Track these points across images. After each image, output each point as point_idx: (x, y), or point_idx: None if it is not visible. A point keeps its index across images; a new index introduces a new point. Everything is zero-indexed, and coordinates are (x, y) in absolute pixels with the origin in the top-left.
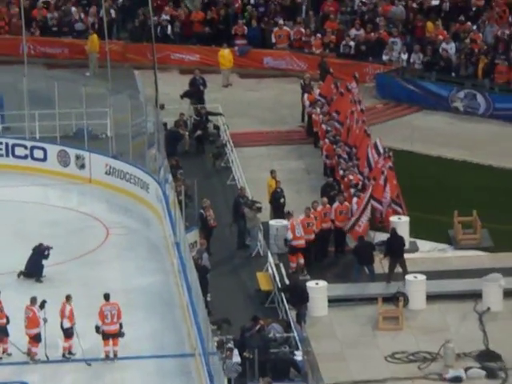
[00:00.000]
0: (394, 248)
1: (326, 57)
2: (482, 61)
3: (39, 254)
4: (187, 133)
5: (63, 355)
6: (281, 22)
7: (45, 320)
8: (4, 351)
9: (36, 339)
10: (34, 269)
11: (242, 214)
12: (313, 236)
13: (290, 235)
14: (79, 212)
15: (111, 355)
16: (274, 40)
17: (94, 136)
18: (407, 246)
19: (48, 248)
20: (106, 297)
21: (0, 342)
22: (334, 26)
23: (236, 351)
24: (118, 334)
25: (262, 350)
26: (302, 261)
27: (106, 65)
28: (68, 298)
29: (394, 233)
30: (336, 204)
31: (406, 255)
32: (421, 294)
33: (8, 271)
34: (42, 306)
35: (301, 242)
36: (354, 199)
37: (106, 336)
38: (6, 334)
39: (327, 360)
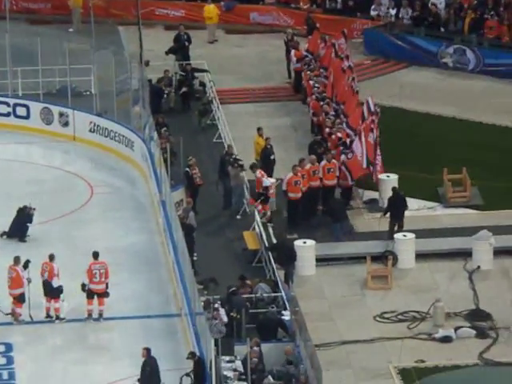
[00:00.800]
0: (396, 208)
1: (313, 12)
2: (469, 15)
3: (23, 216)
4: (172, 90)
5: (48, 315)
6: None
7: (29, 280)
8: None
9: (20, 299)
10: (18, 231)
11: (228, 172)
12: (299, 194)
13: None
14: (63, 170)
15: (95, 314)
16: None
17: (77, 93)
18: None
19: (32, 209)
20: (95, 255)
21: None
22: None
23: (223, 311)
24: (104, 294)
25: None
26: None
27: (89, 20)
28: (51, 257)
29: (396, 193)
30: (324, 162)
31: None
32: (410, 252)
33: None
34: (26, 265)
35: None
36: (342, 156)
37: (92, 295)
38: None
39: (315, 320)
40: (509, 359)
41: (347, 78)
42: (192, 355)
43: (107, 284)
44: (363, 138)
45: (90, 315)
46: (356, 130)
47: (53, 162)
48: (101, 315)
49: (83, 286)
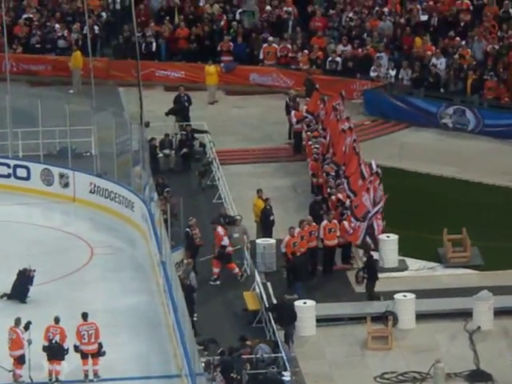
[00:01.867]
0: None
1: (313, 73)
2: (471, 76)
3: (24, 278)
4: (173, 151)
5: (50, 378)
6: (270, 38)
7: (29, 341)
8: None
9: (20, 361)
10: (18, 293)
11: None
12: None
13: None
14: (63, 231)
15: (90, 375)
16: (262, 56)
17: (77, 154)
18: (396, 264)
19: (32, 271)
20: (84, 316)
21: None
22: (320, 42)
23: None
24: (98, 354)
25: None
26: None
27: (89, 82)
28: (57, 319)
29: (369, 257)
30: (325, 222)
31: (395, 274)
32: (410, 313)
33: None
34: (27, 327)
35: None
36: (345, 222)
37: (85, 355)
38: None
39: (316, 380)
40: None
41: (348, 140)
42: None
43: (100, 344)
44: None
45: (86, 376)
46: (356, 191)
47: (53, 222)
48: (95, 374)
49: (75, 347)
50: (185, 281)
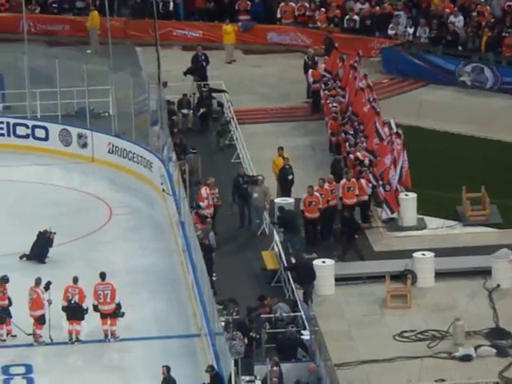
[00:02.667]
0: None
1: (331, 31)
2: (486, 34)
3: (44, 240)
4: (190, 111)
5: (70, 338)
6: None
7: (49, 302)
8: (8, 333)
9: (40, 321)
10: (38, 255)
11: (242, 193)
12: (317, 214)
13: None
14: (82, 192)
15: (109, 335)
16: (279, 15)
17: (96, 114)
18: (415, 222)
19: (52, 233)
20: (102, 276)
21: (3, 323)
22: (338, 1)
23: (240, 334)
24: (115, 314)
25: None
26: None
27: (107, 42)
28: (75, 279)
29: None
30: (343, 181)
31: (413, 232)
32: (429, 271)
33: (11, 253)
34: (47, 287)
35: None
36: (362, 180)
37: (104, 315)
38: (9, 316)
39: (335, 339)
40: None
41: (367, 98)
42: (211, 369)
43: (118, 304)
44: (398, 165)
45: (106, 335)
46: (374, 152)
47: (71, 183)
48: (113, 335)
49: (94, 306)
50: (204, 240)
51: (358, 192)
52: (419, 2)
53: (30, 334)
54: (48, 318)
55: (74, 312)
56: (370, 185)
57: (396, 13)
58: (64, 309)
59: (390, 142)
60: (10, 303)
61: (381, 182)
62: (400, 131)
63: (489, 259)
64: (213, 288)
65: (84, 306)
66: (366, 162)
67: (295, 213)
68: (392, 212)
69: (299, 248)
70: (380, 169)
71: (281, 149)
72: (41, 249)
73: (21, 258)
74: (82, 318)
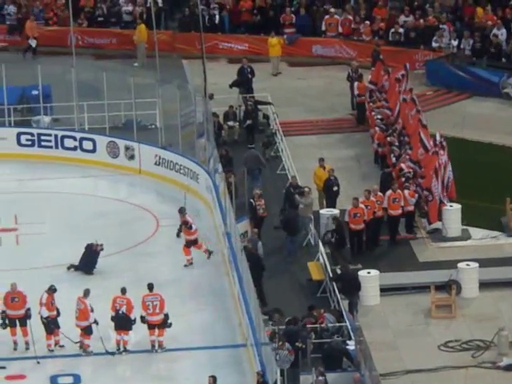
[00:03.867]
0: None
1: (380, 45)
2: None
3: (91, 253)
4: (237, 123)
5: (118, 348)
6: (332, 9)
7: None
8: (56, 343)
9: (87, 331)
10: (85, 266)
11: (293, 203)
12: (362, 226)
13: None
14: (129, 203)
15: (156, 345)
16: (324, 28)
17: (143, 127)
18: (460, 233)
19: (99, 245)
20: (150, 287)
21: (51, 334)
22: (382, 13)
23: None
24: (163, 325)
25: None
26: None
27: (154, 55)
28: (124, 290)
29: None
30: (389, 192)
31: (458, 243)
32: (474, 281)
33: (59, 263)
34: (86, 294)
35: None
36: (406, 191)
37: (151, 326)
38: (57, 326)
39: (380, 349)
40: None
41: (413, 111)
42: (260, 375)
43: (166, 315)
44: (440, 177)
45: (153, 346)
46: (420, 163)
47: (119, 194)
48: (160, 345)
49: (142, 318)
50: (253, 251)
51: (404, 203)
52: (462, 15)
53: (77, 343)
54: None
55: (122, 322)
56: (417, 195)
57: (441, 26)
58: (112, 319)
59: (435, 153)
60: (59, 314)
61: (426, 193)
62: (444, 143)
63: None
64: (263, 298)
65: (131, 316)
66: (411, 173)
67: (297, 214)
68: (429, 223)
69: (295, 251)
70: (426, 180)
71: (322, 160)
72: (88, 261)
73: (68, 268)
74: (130, 329)
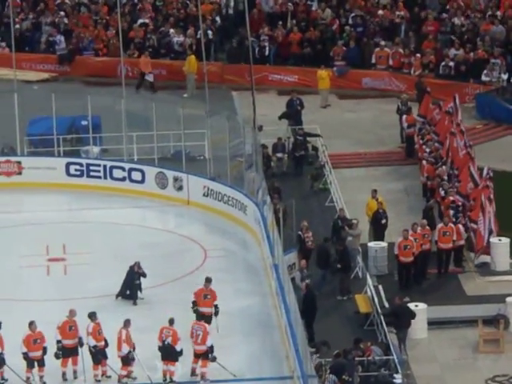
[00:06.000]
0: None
1: (425, 77)
2: None
3: (131, 274)
4: (285, 155)
5: (165, 379)
6: (382, 42)
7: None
8: (103, 374)
9: (122, 361)
10: (128, 291)
11: (340, 236)
12: (411, 258)
13: None
14: (177, 234)
15: (199, 374)
16: (374, 61)
17: (191, 158)
18: (508, 267)
19: (136, 265)
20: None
21: (99, 364)
22: (432, 46)
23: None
24: (206, 356)
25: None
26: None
27: (203, 86)
28: (171, 321)
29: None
30: (440, 225)
31: (507, 277)
32: None
33: (107, 293)
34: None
35: None
36: (460, 226)
37: (195, 354)
38: (105, 357)
39: (427, 383)
40: None
41: (462, 143)
42: None
43: (210, 347)
44: (487, 212)
45: (192, 373)
46: (468, 196)
47: (167, 225)
48: (203, 377)
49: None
50: (308, 286)
51: (456, 237)
52: None
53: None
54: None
55: (168, 353)
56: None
57: (493, 60)
58: (159, 349)
59: (485, 187)
60: (107, 344)
61: (474, 226)
62: (491, 174)
63: None
64: (313, 333)
65: (177, 347)
66: (459, 206)
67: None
68: (475, 254)
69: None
70: (474, 212)
71: (374, 191)
72: (129, 283)
73: (117, 297)
74: (176, 360)
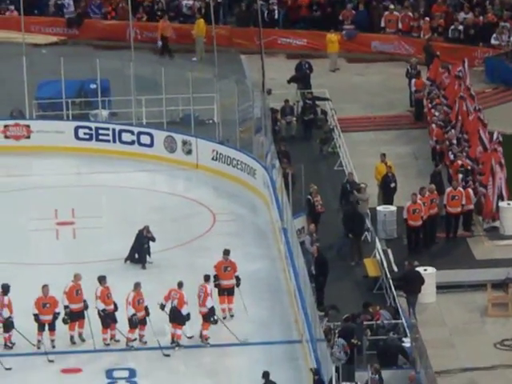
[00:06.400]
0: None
1: (434, 41)
2: None
3: (140, 238)
4: (294, 118)
5: (173, 342)
6: (391, 6)
7: (161, 306)
8: (112, 337)
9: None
10: (137, 255)
11: (348, 199)
12: (420, 222)
13: None
14: (186, 198)
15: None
16: (383, 24)
17: (200, 121)
18: None
19: (145, 228)
20: (205, 278)
21: (108, 328)
22: (441, 10)
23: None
24: (206, 318)
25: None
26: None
27: (212, 49)
28: (180, 284)
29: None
30: (449, 189)
31: None
32: None
33: (116, 257)
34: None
35: None
36: (469, 190)
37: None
38: (115, 321)
39: (436, 347)
40: None
41: (473, 108)
42: (315, 372)
43: (210, 309)
44: (497, 177)
45: (201, 336)
46: (477, 160)
47: (176, 189)
48: (206, 339)
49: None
50: (320, 250)
51: (465, 201)
52: None
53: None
54: (148, 321)
55: (175, 316)
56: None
57: (502, 24)
58: (161, 307)
59: (494, 151)
60: (116, 308)
61: (483, 190)
62: (500, 138)
63: None
64: (323, 297)
65: (183, 311)
66: (469, 169)
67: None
68: (483, 219)
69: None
70: (484, 177)
71: (383, 155)
72: (138, 247)
73: (125, 261)
74: (183, 323)
